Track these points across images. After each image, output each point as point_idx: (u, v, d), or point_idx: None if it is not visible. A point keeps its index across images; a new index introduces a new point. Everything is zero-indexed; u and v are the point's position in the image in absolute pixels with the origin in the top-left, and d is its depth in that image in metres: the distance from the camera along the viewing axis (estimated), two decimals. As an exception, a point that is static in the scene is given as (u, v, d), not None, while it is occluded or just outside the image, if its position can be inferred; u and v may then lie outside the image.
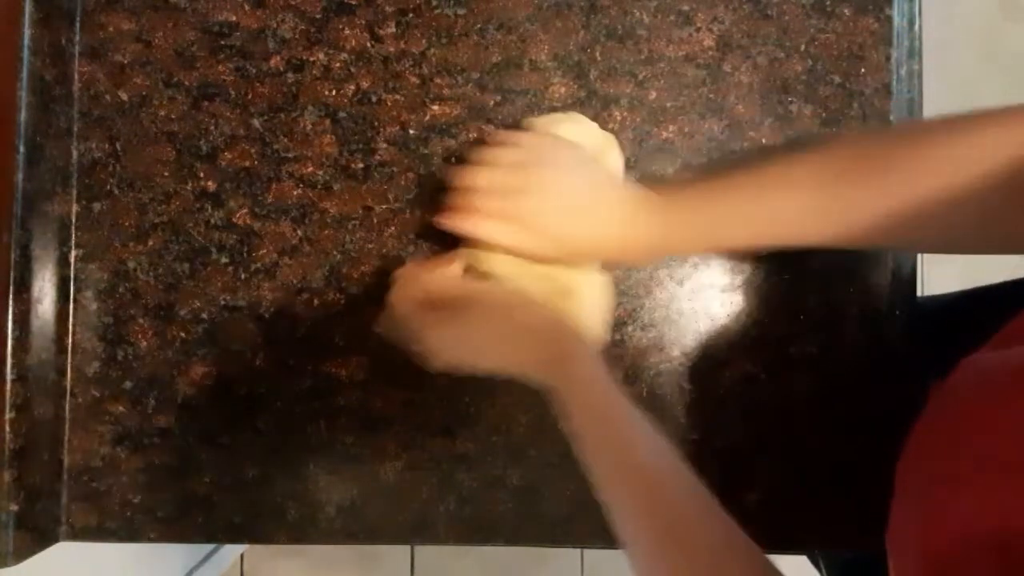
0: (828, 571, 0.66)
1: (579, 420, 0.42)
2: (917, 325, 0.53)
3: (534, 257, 0.47)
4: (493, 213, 0.46)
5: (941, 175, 0.39)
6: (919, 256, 0.54)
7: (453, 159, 0.53)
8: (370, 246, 0.53)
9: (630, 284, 0.53)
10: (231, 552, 1.29)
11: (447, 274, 0.47)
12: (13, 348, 0.49)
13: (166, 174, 0.53)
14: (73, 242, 0.53)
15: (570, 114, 0.51)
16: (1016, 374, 0.34)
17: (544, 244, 0.46)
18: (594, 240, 0.46)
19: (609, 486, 0.41)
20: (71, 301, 0.53)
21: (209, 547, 1.18)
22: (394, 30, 0.53)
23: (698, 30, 0.53)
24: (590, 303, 0.48)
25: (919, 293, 0.54)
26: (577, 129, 0.49)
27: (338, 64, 0.53)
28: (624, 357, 0.53)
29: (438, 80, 0.53)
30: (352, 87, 0.53)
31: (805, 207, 0.43)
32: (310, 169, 0.53)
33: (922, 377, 0.53)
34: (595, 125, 0.50)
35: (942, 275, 1.39)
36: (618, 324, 0.52)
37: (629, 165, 0.52)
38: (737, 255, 0.53)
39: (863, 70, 0.53)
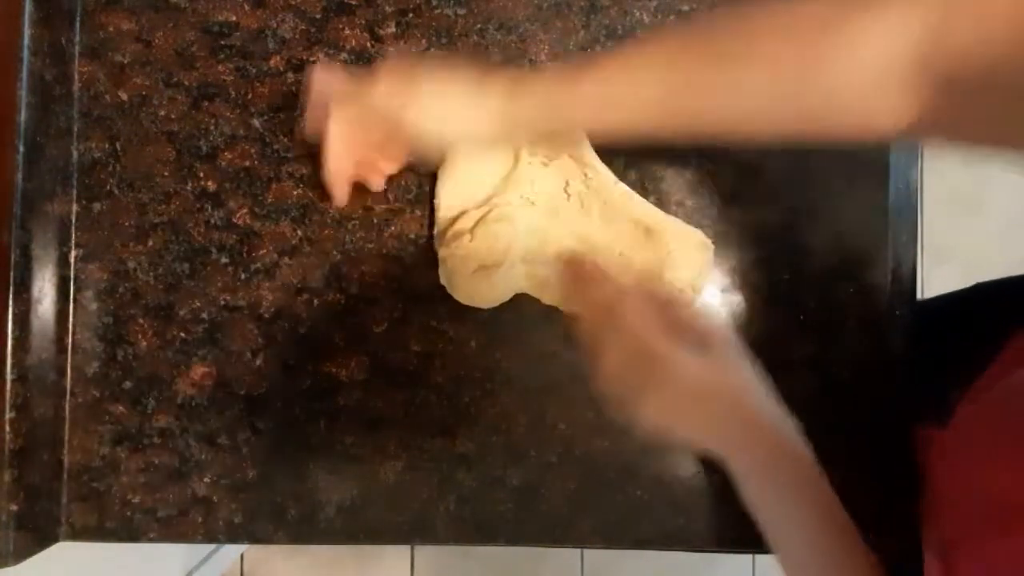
0: None
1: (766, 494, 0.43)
2: (918, 324, 0.53)
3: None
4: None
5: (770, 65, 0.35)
6: (919, 256, 0.54)
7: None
8: (370, 246, 0.53)
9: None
10: (231, 552, 1.29)
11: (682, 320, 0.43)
12: (13, 348, 0.49)
13: (166, 174, 0.53)
14: (73, 242, 0.53)
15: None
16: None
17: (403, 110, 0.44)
18: (440, 110, 0.44)
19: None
20: (71, 301, 0.53)
21: (209, 547, 1.17)
22: (394, 30, 0.53)
23: (698, 30, 0.53)
24: (684, 261, 0.47)
25: (919, 294, 0.54)
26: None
27: (338, 64, 0.53)
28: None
29: (438, 80, 0.53)
30: (352, 87, 0.53)
31: (643, 91, 0.38)
32: (310, 169, 0.53)
33: (923, 379, 0.53)
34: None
35: (942, 275, 1.39)
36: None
37: (629, 164, 0.52)
38: None
39: (863, 70, 0.53)
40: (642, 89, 0.39)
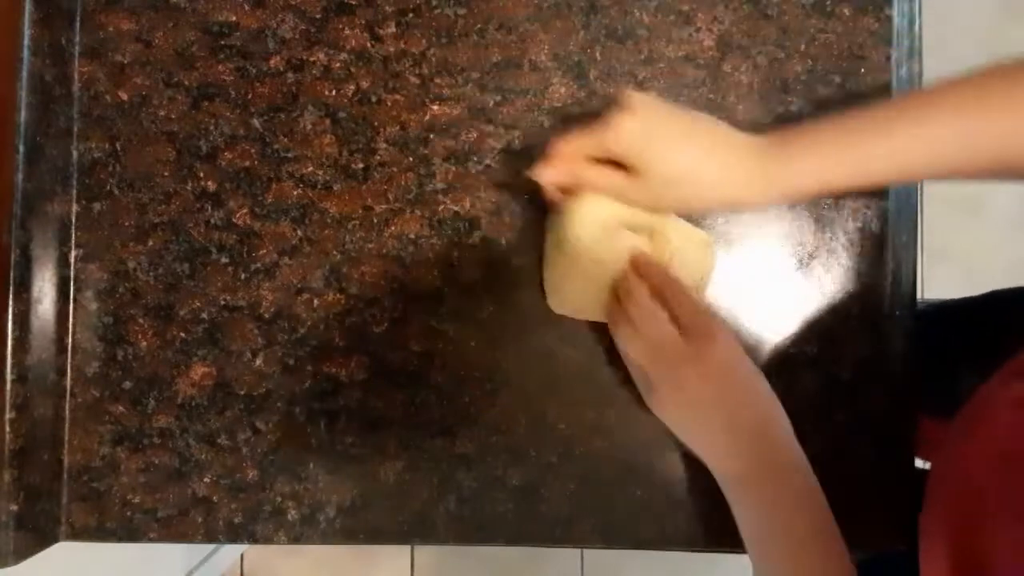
0: None
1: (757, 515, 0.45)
2: (921, 329, 0.53)
3: (641, 204, 0.45)
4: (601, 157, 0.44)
5: None
6: (919, 256, 0.54)
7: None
8: (370, 246, 0.53)
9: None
10: (231, 552, 1.29)
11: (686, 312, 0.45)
12: (13, 348, 0.49)
13: (166, 174, 0.53)
14: (73, 242, 0.53)
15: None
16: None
17: (655, 187, 0.44)
18: (698, 177, 0.43)
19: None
20: (71, 301, 0.53)
21: (209, 547, 1.18)
22: (394, 30, 0.53)
23: (698, 30, 0.53)
24: (689, 260, 0.48)
25: (919, 294, 0.54)
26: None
27: (338, 64, 0.53)
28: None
29: (438, 80, 0.53)
30: (352, 87, 0.53)
31: (954, 134, 0.41)
32: (310, 169, 0.53)
33: (921, 382, 0.53)
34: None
35: (942, 275, 1.39)
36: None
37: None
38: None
39: (863, 70, 0.53)
40: (939, 143, 0.41)
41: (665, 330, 0.45)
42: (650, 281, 0.46)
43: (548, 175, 0.45)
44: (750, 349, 0.53)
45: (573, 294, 0.50)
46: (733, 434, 0.45)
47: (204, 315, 0.53)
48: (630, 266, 0.47)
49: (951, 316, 0.61)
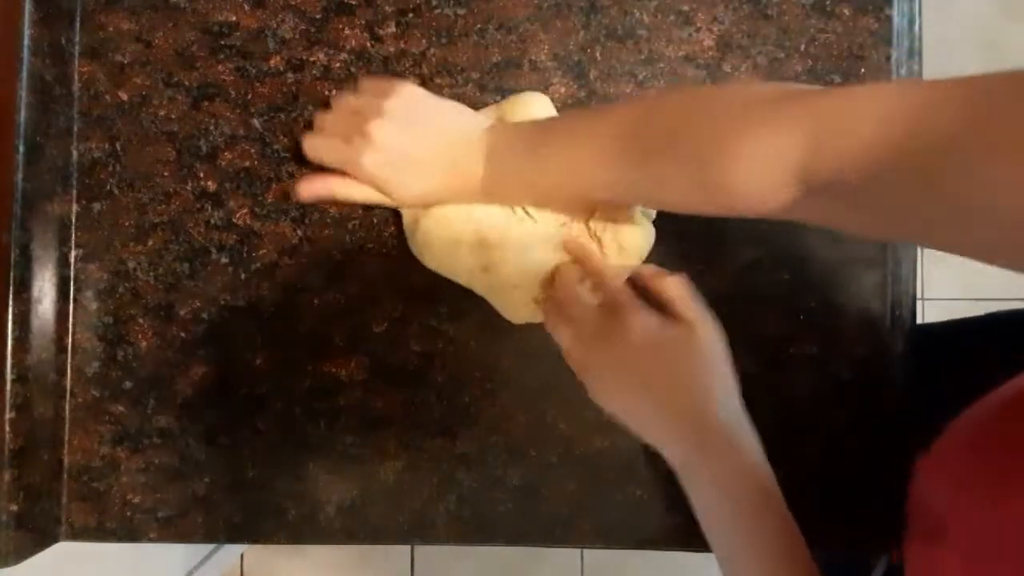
0: None
1: (707, 494, 0.44)
2: (923, 347, 0.53)
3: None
4: (334, 134, 0.47)
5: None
6: (919, 256, 0.54)
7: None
8: (370, 246, 0.53)
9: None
10: (231, 552, 1.29)
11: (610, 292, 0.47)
12: (13, 348, 0.49)
13: (166, 174, 0.53)
14: (73, 242, 0.53)
15: (535, 94, 0.51)
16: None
17: (393, 194, 0.47)
18: (430, 186, 0.47)
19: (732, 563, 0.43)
20: (71, 301, 0.53)
21: (209, 547, 1.18)
22: (394, 30, 0.53)
23: (698, 30, 0.53)
24: (627, 247, 0.49)
25: (919, 293, 0.54)
26: (547, 108, 0.50)
27: (338, 64, 0.53)
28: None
29: (438, 80, 0.53)
30: (352, 87, 0.53)
31: (599, 166, 0.43)
32: (310, 169, 0.53)
33: (919, 403, 0.53)
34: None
35: (942, 275, 1.39)
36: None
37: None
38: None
39: (863, 70, 0.53)
40: (591, 173, 0.43)
41: (587, 313, 0.45)
42: (580, 265, 0.47)
43: (305, 191, 0.49)
44: (750, 349, 0.53)
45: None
46: (666, 418, 0.44)
47: (204, 315, 0.53)
48: (565, 249, 0.48)
49: (944, 341, 0.61)
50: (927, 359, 0.54)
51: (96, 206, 0.53)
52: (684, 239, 0.53)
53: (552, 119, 0.49)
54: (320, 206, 0.53)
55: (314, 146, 0.48)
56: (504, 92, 0.53)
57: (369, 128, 0.45)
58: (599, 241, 0.48)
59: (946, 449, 0.42)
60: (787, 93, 0.38)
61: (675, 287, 0.46)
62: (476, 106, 0.53)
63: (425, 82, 0.53)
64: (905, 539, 0.42)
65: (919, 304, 0.55)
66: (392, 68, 0.53)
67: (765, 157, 0.36)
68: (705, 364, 0.44)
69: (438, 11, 0.53)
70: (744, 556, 0.43)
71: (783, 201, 0.37)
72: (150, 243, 0.53)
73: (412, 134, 0.46)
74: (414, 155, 0.46)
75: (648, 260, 0.53)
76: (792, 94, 0.38)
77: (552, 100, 0.53)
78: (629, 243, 0.49)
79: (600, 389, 0.46)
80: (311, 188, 0.48)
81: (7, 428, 0.48)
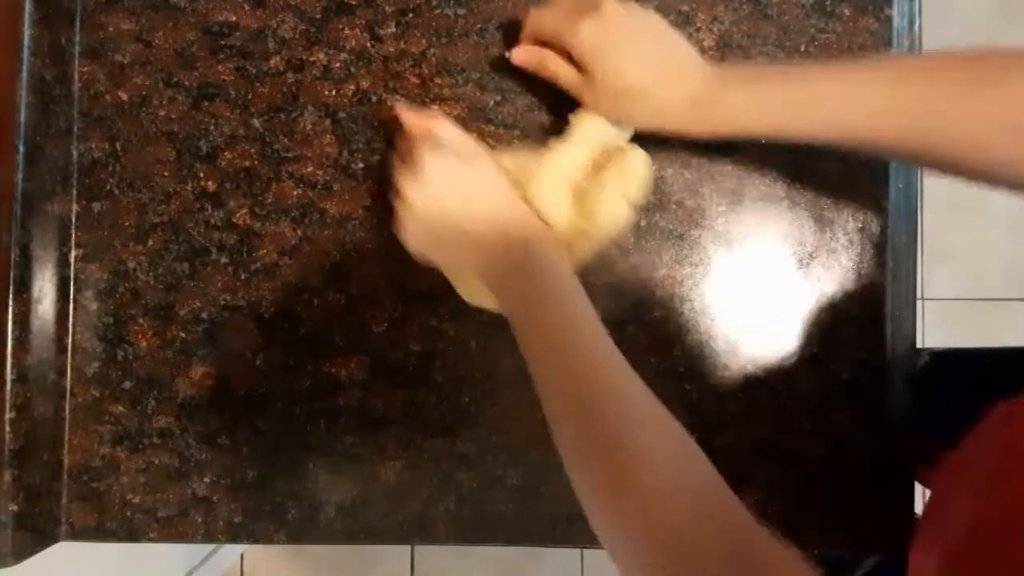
0: None
1: (517, 312, 0.42)
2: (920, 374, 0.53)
3: (586, 104, 0.47)
4: (558, 41, 0.46)
5: None
6: (919, 256, 0.54)
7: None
8: (370, 246, 0.53)
9: (631, 284, 0.53)
10: (231, 552, 1.29)
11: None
12: (13, 348, 0.49)
13: (166, 174, 0.53)
14: (73, 242, 0.53)
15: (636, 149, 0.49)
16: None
17: (590, 80, 0.45)
18: (639, 79, 0.44)
19: (552, 389, 0.41)
20: (71, 301, 0.53)
21: (209, 547, 1.18)
22: (394, 30, 0.53)
23: (698, 30, 0.53)
24: (628, 173, 0.48)
25: (919, 293, 0.54)
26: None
27: (338, 64, 0.53)
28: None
29: (438, 80, 0.53)
30: (352, 87, 0.53)
31: (885, 100, 0.40)
32: (310, 169, 0.53)
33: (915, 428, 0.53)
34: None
35: (942, 275, 1.39)
36: (618, 324, 0.52)
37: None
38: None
39: (863, 70, 0.53)
40: (880, 100, 0.40)
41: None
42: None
43: (518, 56, 0.48)
44: (750, 349, 0.53)
45: None
46: (474, 251, 0.44)
47: (204, 315, 0.53)
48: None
49: (955, 369, 0.61)
50: (943, 381, 0.54)
51: (96, 206, 0.53)
52: (683, 239, 0.53)
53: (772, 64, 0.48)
54: (320, 206, 0.53)
55: (539, 15, 0.47)
56: (504, 92, 0.53)
57: (600, 1, 0.43)
58: (602, 168, 0.48)
59: (970, 456, 0.42)
60: None
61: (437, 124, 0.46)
62: (476, 106, 0.53)
63: (425, 82, 0.53)
64: (914, 546, 0.42)
65: (919, 304, 0.55)
66: (392, 68, 0.53)
67: None
68: (489, 190, 0.45)
69: (438, 11, 0.53)
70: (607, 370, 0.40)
71: None
72: (150, 243, 0.53)
73: (639, 22, 0.44)
74: (638, 41, 0.43)
75: (648, 260, 0.53)
76: None
77: (552, 100, 0.53)
78: (631, 168, 0.48)
79: (402, 227, 0.45)
80: (526, 54, 0.48)
81: (7, 428, 0.48)
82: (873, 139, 0.42)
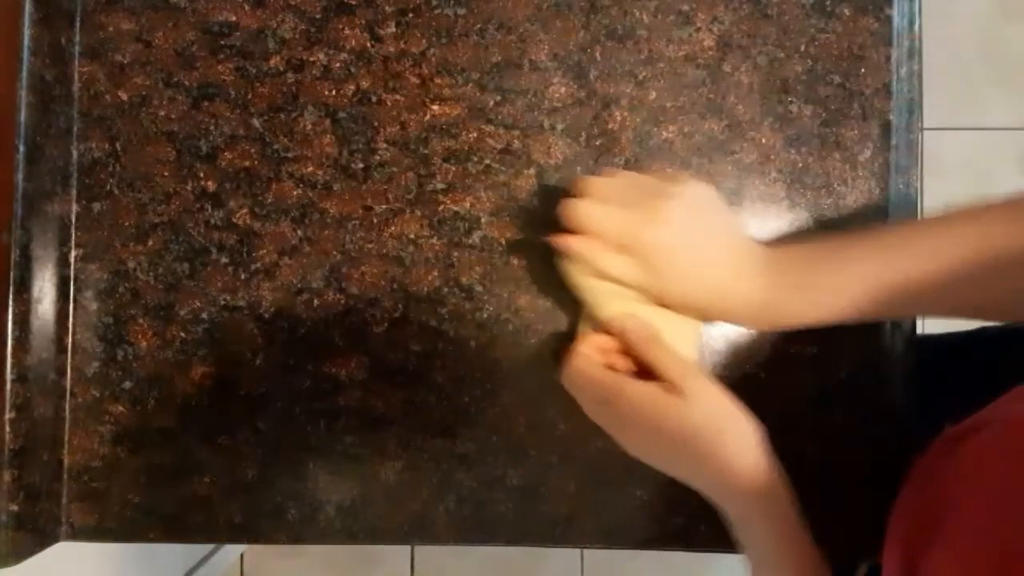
0: None
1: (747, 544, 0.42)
2: (919, 358, 0.53)
3: (641, 291, 0.44)
4: (611, 241, 0.42)
5: None
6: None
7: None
8: (370, 246, 0.53)
9: (630, 284, 0.53)
10: (231, 552, 1.29)
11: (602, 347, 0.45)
12: (13, 348, 0.49)
13: (166, 174, 0.53)
14: (73, 242, 0.53)
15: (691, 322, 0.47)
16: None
17: (655, 280, 0.43)
18: (706, 285, 0.43)
19: None
20: (71, 301, 0.53)
21: (209, 547, 1.18)
22: (394, 30, 0.53)
23: (698, 30, 0.53)
24: (680, 342, 0.46)
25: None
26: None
27: (338, 64, 0.53)
28: (624, 357, 0.53)
29: (438, 80, 0.53)
30: (352, 87, 0.53)
31: (949, 272, 0.39)
32: (310, 169, 0.53)
33: (928, 391, 0.53)
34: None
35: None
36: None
37: (629, 165, 0.53)
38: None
39: (863, 70, 0.53)
40: (956, 274, 0.39)
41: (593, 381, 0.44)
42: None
43: (563, 246, 0.44)
44: (750, 349, 0.53)
45: None
46: (695, 481, 0.43)
47: (204, 315, 0.53)
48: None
49: (955, 351, 0.61)
50: (936, 369, 0.54)
51: (96, 206, 0.53)
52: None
53: (836, 240, 0.44)
54: (320, 206, 0.53)
55: (586, 209, 0.43)
56: (504, 92, 0.53)
57: (657, 202, 0.41)
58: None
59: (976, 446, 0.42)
60: None
61: (651, 348, 0.43)
62: (476, 106, 0.53)
63: (425, 82, 0.53)
64: (887, 543, 0.42)
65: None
66: (392, 68, 0.53)
67: None
68: (706, 436, 0.41)
69: (438, 11, 0.53)
70: None
71: None
72: (150, 243, 0.53)
73: (700, 221, 0.42)
74: (698, 243, 0.42)
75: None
76: None
77: (552, 100, 0.53)
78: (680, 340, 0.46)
79: (629, 447, 0.44)
80: (569, 244, 0.44)
81: (7, 428, 0.48)
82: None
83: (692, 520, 0.53)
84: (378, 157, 0.53)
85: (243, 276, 0.53)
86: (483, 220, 0.53)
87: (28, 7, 0.50)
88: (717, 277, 0.43)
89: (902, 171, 0.53)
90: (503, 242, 0.53)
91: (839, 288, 0.41)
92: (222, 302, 0.53)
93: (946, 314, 0.42)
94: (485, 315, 0.52)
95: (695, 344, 0.48)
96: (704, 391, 0.41)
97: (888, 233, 0.43)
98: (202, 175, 0.53)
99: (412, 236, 0.53)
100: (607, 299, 0.46)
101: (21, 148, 0.49)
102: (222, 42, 0.53)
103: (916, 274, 0.40)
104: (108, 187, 0.53)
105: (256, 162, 0.53)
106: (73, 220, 0.53)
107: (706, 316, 0.45)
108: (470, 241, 0.53)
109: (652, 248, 0.41)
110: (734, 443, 0.41)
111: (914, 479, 0.42)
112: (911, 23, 0.54)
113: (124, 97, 0.53)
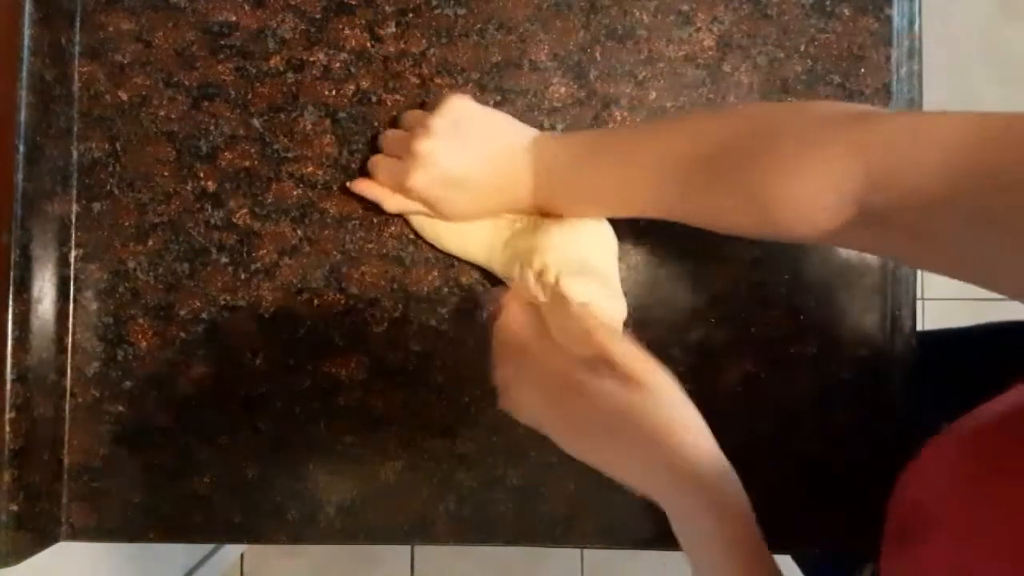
0: (802, 570, 0.66)
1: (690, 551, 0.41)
2: (920, 355, 0.53)
3: (429, 204, 0.48)
4: (392, 154, 0.49)
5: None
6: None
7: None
8: (370, 246, 0.53)
9: (630, 284, 0.53)
10: (231, 552, 1.29)
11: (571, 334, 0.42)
12: (13, 348, 0.49)
13: (166, 174, 0.53)
14: (73, 242, 0.53)
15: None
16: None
17: (435, 182, 0.46)
18: (484, 205, 0.48)
19: None
20: (71, 301, 0.53)
21: (209, 547, 1.18)
22: (394, 30, 0.53)
23: (698, 30, 0.53)
24: (593, 245, 0.49)
25: (919, 293, 0.54)
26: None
27: (338, 64, 0.53)
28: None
29: (438, 80, 0.53)
30: (352, 87, 0.53)
31: (651, 187, 0.44)
32: (310, 169, 0.53)
33: (922, 389, 0.53)
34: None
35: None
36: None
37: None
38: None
39: (863, 70, 0.53)
40: (642, 192, 0.45)
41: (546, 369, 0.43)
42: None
43: (358, 188, 0.50)
44: (750, 349, 0.53)
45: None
46: (638, 477, 0.42)
47: (204, 315, 0.53)
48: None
49: (948, 347, 0.61)
50: (929, 365, 0.54)
51: (96, 206, 0.53)
52: (682, 238, 0.53)
53: (599, 132, 0.50)
54: (320, 206, 0.53)
55: (374, 163, 0.50)
56: (504, 92, 0.53)
57: (415, 146, 0.45)
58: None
59: (947, 445, 0.42)
60: (852, 115, 0.37)
61: (613, 344, 0.42)
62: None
63: (425, 82, 0.53)
64: (883, 542, 0.42)
65: (919, 304, 0.55)
66: (392, 68, 0.53)
67: (823, 178, 0.36)
68: (669, 431, 0.40)
69: (438, 11, 0.53)
70: None
71: (837, 225, 0.37)
72: (150, 243, 0.53)
73: (457, 149, 0.46)
74: (459, 172, 0.46)
75: (649, 262, 0.53)
76: (857, 116, 0.37)
77: (552, 100, 0.53)
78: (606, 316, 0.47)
79: (564, 443, 0.43)
80: (364, 188, 0.50)
81: (7, 428, 0.48)
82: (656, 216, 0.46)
83: (692, 520, 0.53)
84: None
85: (243, 276, 0.53)
86: (483, 220, 0.53)
87: (28, 7, 0.50)
88: (486, 191, 0.47)
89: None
90: (503, 242, 0.53)
91: (594, 191, 0.46)
92: (222, 302, 0.53)
93: (685, 220, 0.45)
94: (485, 315, 0.52)
95: (614, 251, 0.50)
96: (665, 385, 0.41)
97: (640, 131, 0.48)
98: (202, 175, 0.53)
99: (412, 236, 0.53)
100: (464, 237, 0.50)
101: (21, 148, 0.49)
102: (222, 42, 0.53)
103: (640, 182, 0.44)
104: (108, 187, 0.53)
105: (256, 162, 0.53)
106: (73, 220, 0.53)
107: (493, 211, 0.49)
108: (470, 241, 0.53)
109: (421, 189, 0.46)
110: (694, 437, 0.41)
111: (901, 483, 0.42)
112: (911, 23, 0.54)
113: (124, 97, 0.53)
